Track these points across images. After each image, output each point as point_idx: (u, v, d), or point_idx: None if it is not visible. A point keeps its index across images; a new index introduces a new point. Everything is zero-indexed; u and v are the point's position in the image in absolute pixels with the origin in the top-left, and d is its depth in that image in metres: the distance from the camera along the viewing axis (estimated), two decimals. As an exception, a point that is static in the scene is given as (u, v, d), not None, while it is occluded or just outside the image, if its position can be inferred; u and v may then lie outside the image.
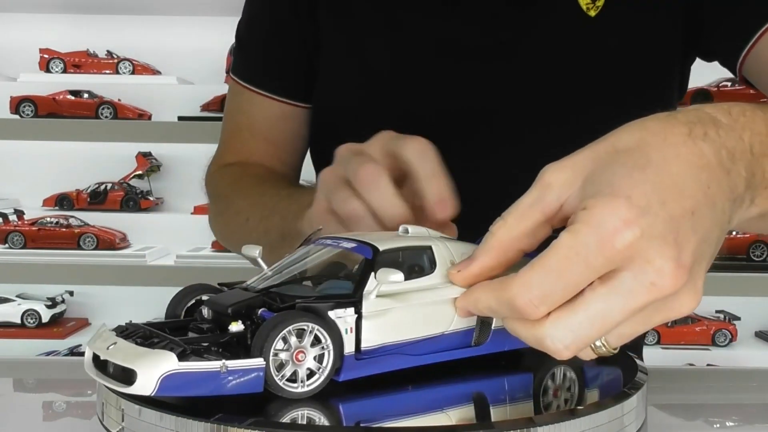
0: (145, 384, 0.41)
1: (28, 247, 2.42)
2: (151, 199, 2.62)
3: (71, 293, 2.61)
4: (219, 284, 0.52)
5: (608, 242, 0.41)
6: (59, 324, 2.56)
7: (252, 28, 1.00)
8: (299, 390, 0.45)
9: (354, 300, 0.47)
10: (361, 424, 0.45)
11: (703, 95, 2.30)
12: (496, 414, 0.49)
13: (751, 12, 0.82)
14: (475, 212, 0.63)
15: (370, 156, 0.60)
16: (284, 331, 0.44)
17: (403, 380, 0.49)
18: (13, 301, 2.54)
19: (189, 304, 0.51)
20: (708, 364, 2.26)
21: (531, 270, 0.43)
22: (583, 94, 0.85)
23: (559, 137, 0.83)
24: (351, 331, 0.46)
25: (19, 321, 2.51)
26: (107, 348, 0.45)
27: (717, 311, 2.55)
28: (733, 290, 2.24)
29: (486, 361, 0.52)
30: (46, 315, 2.52)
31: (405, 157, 0.59)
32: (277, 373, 0.44)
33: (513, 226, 0.46)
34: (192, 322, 0.49)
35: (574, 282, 0.42)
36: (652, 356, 2.40)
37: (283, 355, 0.44)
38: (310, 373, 0.45)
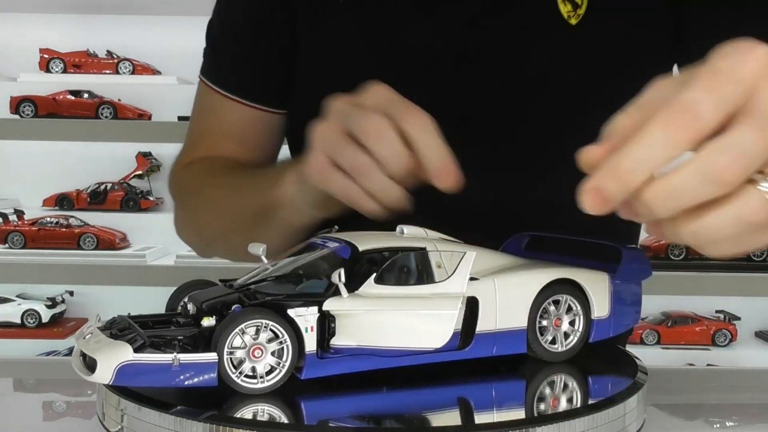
0: (104, 373, 0.43)
1: (28, 247, 2.42)
2: (151, 199, 2.62)
3: (71, 293, 2.61)
4: (220, 280, 0.53)
5: (742, 62, 0.41)
6: (59, 324, 2.56)
7: (227, 30, 0.96)
8: (257, 386, 0.45)
9: (319, 299, 0.47)
10: (330, 423, 0.45)
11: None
12: (479, 418, 0.48)
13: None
14: (461, 219, 0.63)
15: (372, 109, 0.59)
16: (238, 328, 0.44)
17: (391, 382, 0.49)
18: (13, 301, 2.54)
19: (186, 299, 0.51)
20: (708, 364, 2.26)
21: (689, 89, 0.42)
22: (565, 104, 0.83)
23: (541, 149, 0.82)
24: (312, 330, 0.46)
25: (19, 321, 2.51)
26: (84, 338, 0.47)
27: (717, 311, 2.54)
28: (733, 290, 2.24)
29: (482, 367, 0.52)
30: (46, 315, 2.52)
31: (405, 129, 0.57)
32: (234, 369, 0.44)
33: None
34: (174, 316, 0.50)
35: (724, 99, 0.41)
36: (652, 356, 2.39)
37: (238, 353, 0.45)
38: (271, 370, 0.45)
